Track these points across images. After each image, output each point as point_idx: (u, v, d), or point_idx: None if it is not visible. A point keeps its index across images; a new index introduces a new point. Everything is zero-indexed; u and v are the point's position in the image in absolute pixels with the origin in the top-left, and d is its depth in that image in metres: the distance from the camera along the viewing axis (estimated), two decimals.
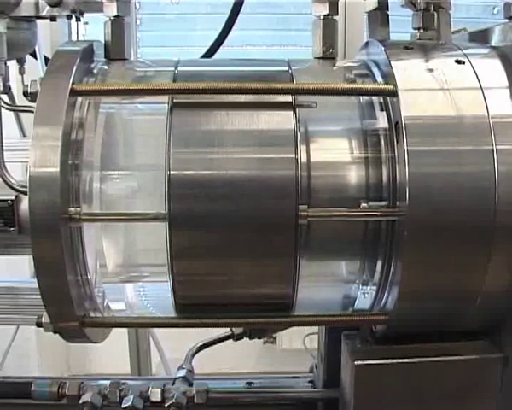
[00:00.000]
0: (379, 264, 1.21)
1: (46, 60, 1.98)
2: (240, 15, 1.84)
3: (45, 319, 1.22)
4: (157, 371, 2.81)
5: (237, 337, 1.55)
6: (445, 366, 1.22)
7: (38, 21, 1.60)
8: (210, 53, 1.93)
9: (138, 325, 1.72)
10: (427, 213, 1.11)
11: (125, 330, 2.38)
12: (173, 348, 2.52)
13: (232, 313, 1.24)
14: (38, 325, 1.25)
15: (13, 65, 1.78)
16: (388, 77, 1.20)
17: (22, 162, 1.78)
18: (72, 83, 1.15)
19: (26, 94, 1.23)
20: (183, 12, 3.05)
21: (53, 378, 1.51)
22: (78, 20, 1.62)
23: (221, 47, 1.94)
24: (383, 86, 1.21)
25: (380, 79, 1.24)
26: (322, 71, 1.34)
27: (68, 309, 1.16)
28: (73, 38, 1.84)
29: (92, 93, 1.20)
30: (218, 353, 1.76)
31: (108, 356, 2.89)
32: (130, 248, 1.29)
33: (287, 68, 1.26)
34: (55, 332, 1.23)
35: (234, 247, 1.16)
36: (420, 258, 1.13)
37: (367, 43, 1.36)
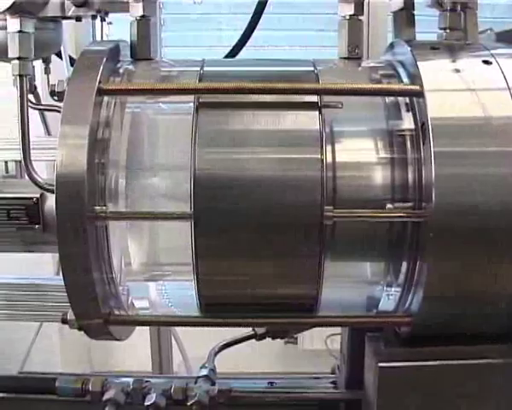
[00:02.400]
0: (404, 265, 1.20)
1: (71, 60, 1.99)
2: (262, 15, 1.84)
3: (70, 316, 1.23)
4: (178, 369, 2.82)
5: (260, 337, 1.55)
6: (469, 369, 1.21)
7: (63, 21, 1.61)
8: (233, 53, 1.93)
9: (163, 324, 1.73)
10: (452, 215, 1.10)
11: (147, 328, 2.39)
12: (194, 346, 2.53)
13: (256, 312, 1.24)
14: (64, 321, 1.26)
15: (37, 65, 1.79)
16: (414, 77, 1.19)
17: (47, 161, 1.80)
18: (99, 82, 1.16)
19: (53, 93, 1.25)
20: (205, 12, 3.05)
21: (77, 375, 1.52)
22: (103, 20, 1.63)
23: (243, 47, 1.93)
24: (409, 87, 1.20)
25: (406, 80, 1.23)
26: (347, 71, 1.33)
27: (93, 307, 1.17)
28: (97, 38, 1.85)
29: (119, 92, 1.21)
30: (239, 352, 1.76)
31: (130, 354, 2.90)
32: (155, 246, 1.30)
33: (312, 68, 1.26)
34: (79, 329, 1.24)
35: (258, 247, 1.16)
36: (445, 260, 1.12)
37: (392, 44, 1.35)
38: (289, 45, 3.02)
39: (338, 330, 1.67)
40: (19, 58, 1.32)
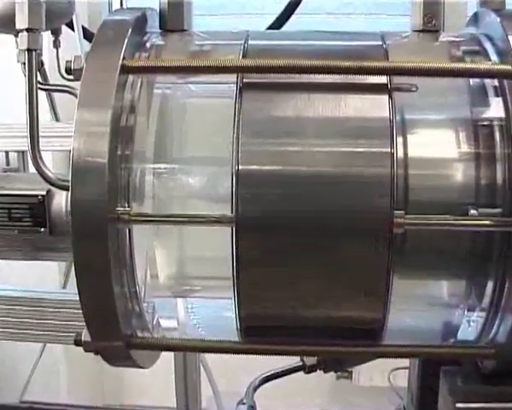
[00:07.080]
0: (489, 286, 1.20)
1: (84, 31, 2.03)
2: None
3: (85, 337, 1.25)
4: (207, 405, 2.84)
5: (309, 369, 1.55)
6: None
7: None
8: (279, 23, 1.94)
9: (195, 349, 1.72)
10: None
11: (171, 355, 2.41)
12: (227, 378, 2.55)
13: (307, 338, 1.25)
14: (77, 343, 1.27)
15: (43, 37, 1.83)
16: (505, 55, 1.18)
17: (55, 151, 1.83)
18: (123, 58, 1.18)
19: (68, 71, 1.27)
20: None
21: (89, 408, 1.54)
22: None
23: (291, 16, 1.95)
24: (498, 66, 1.20)
25: (494, 58, 1.23)
26: (422, 47, 1.34)
27: (113, 327, 1.19)
28: (114, 6, 1.88)
29: (146, 70, 1.23)
30: (282, 387, 1.77)
31: (149, 385, 2.93)
32: (187, 256, 1.31)
33: (380, 43, 1.27)
34: (96, 353, 1.26)
35: (314, 258, 1.16)
36: None
37: (477, 14, 1.35)
38: (346, 14, 3.01)
39: (403, 362, 1.67)
40: (28, 30, 1.35)
